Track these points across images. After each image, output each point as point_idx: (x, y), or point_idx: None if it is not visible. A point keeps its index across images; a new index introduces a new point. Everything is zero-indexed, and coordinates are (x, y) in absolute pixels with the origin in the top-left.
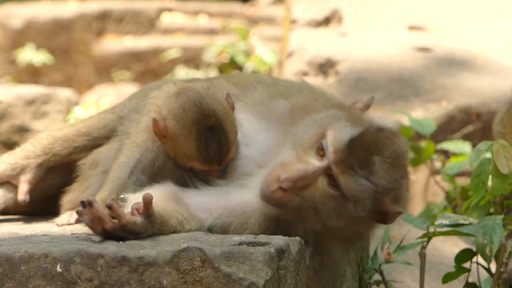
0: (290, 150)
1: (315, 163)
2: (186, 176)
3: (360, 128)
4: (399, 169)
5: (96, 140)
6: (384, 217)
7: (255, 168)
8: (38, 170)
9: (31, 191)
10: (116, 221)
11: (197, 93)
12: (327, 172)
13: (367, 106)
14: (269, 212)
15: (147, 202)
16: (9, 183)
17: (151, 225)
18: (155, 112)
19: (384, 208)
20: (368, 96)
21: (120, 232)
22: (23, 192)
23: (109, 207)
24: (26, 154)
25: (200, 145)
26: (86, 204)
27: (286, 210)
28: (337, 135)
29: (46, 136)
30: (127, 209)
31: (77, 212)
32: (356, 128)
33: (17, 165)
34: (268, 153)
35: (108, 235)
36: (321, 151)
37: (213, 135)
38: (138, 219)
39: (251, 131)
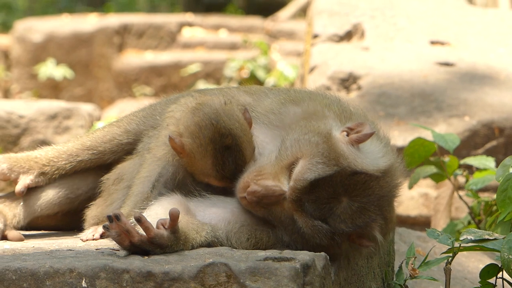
0: (273, 157)
1: (284, 185)
2: (192, 186)
3: (332, 168)
4: (368, 214)
5: (101, 154)
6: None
7: None
8: (41, 178)
9: (58, 204)
10: (144, 234)
11: (214, 110)
12: None
13: (359, 141)
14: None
15: (175, 217)
16: (12, 201)
17: (177, 241)
18: (173, 125)
19: (350, 240)
20: (368, 131)
21: (148, 246)
22: (23, 185)
23: (138, 219)
24: (34, 159)
25: (217, 164)
26: (113, 218)
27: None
28: (303, 171)
29: (52, 149)
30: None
31: (104, 227)
32: (328, 168)
33: (22, 166)
34: None
35: (135, 248)
36: (291, 175)
37: (230, 154)
38: (165, 232)
39: (264, 141)
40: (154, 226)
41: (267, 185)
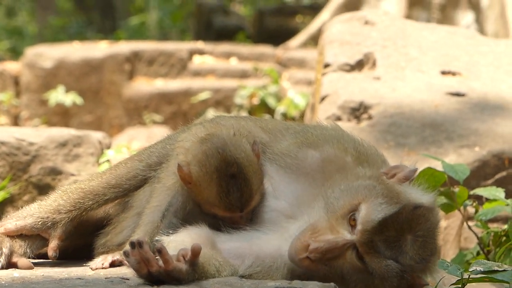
0: (322, 213)
1: (345, 235)
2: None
3: (395, 206)
4: (430, 246)
5: (127, 191)
6: (411, 286)
7: (284, 220)
8: (69, 225)
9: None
10: (162, 265)
11: (221, 140)
12: (355, 245)
13: (407, 178)
14: (297, 272)
15: (196, 252)
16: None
17: (194, 273)
18: (183, 155)
19: (411, 280)
20: (412, 168)
21: (165, 277)
22: (53, 249)
23: (159, 251)
24: (57, 208)
25: (221, 192)
26: (136, 245)
27: (313, 275)
28: (369, 213)
29: (75, 189)
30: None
31: (124, 253)
32: (392, 206)
33: (48, 220)
34: (297, 205)
35: (151, 278)
36: (352, 222)
37: (235, 183)
38: (184, 266)
39: (280, 184)
40: (177, 252)
41: (328, 239)
